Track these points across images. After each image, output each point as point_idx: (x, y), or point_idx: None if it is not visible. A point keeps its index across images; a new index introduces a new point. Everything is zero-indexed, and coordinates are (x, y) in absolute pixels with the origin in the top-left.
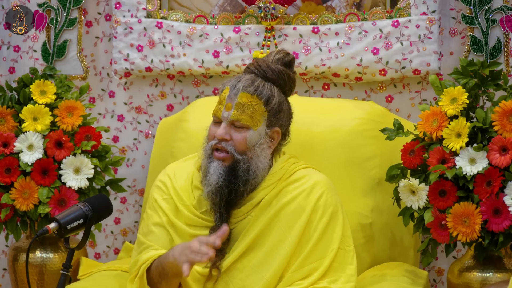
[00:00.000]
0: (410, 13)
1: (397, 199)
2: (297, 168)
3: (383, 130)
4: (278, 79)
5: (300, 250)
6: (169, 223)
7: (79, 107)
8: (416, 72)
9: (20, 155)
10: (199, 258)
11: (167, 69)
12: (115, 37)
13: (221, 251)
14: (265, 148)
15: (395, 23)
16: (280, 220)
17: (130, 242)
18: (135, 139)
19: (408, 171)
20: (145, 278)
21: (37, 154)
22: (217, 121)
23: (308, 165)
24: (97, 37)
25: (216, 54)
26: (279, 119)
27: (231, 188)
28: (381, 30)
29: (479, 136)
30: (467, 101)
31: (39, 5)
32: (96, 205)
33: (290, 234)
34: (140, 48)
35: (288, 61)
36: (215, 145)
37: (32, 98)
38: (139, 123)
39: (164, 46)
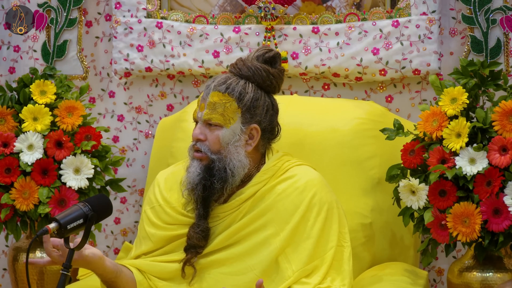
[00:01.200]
0: (410, 13)
1: (397, 199)
2: (290, 166)
3: (383, 130)
4: (253, 75)
5: (295, 246)
6: (152, 233)
7: (79, 107)
8: (416, 72)
9: (20, 155)
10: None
11: (167, 69)
12: (115, 37)
13: (196, 248)
14: (240, 145)
15: (395, 23)
16: (273, 215)
17: (130, 242)
18: (135, 139)
19: (408, 171)
20: None
21: (37, 154)
22: (196, 122)
23: (302, 162)
24: (97, 37)
25: (216, 54)
26: (255, 115)
27: (204, 184)
28: (381, 30)
29: (479, 136)
30: (467, 101)
31: (39, 5)
32: (96, 205)
33: (282, 230)
34: (140, 48)
35: (270, 57)
36: (193, 146)
37: (32, 98)
38: (139, 123)
39: (164, 46)
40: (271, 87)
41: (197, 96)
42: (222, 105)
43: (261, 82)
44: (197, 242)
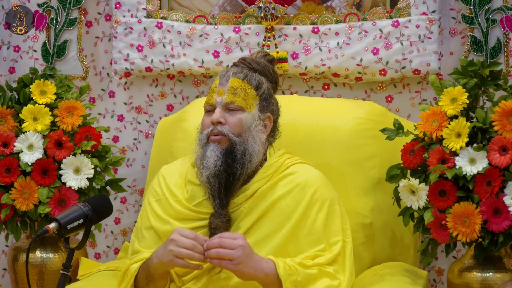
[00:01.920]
0: (410, 13)
1: (397, 199)
2: (291, 163)
3: (383, 130)
4: (264, 70)
5: (296, 242)
6: (157, 226)
7: (79, 107)
8: (416, 72)
9: (20, 155)
10: (186, 252)
11: (167, 69)
12: (115, 37)
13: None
14: (260, 131)
15: (395, 23)
16: (274, 212)
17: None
18: (135, 139)
19: (408, 171)
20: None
21: (37, 154)
22: (210, 110)
23: (302, 161)
24: (97, 37)
25: (216, 54)
26: (271, 104)
27: (229, 171)
28: (381, 30)
29: (479, 136)
30: (467, 101)
31: (39, 5)
32: (96, 205)
33: (284, 226)
34: (140, 48)
35: (270, 59)
36: (211, 131)
37: (32, 98)
38: (139, 123)
39: (164, 46)
40: (275, 86)
41: (197, 96)
42: (243, 90)
43: (270, 78)
44: (225, 230)
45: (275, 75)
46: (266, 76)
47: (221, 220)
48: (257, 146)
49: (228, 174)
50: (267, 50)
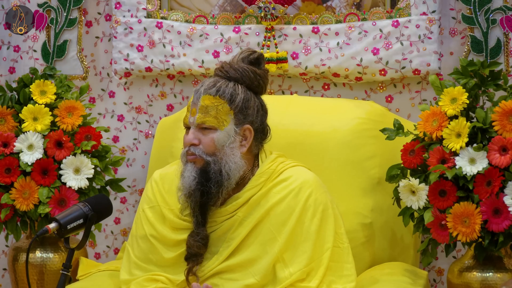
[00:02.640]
0: (410, 13)
1: (397, 199)
2: (284, 168)
3: (383, 130)
4: (242, 77)
5: (293, 250)
6: (152, 234)
7: (79, 107)
8: (416, 72)
9: (20, 155)
10: None
11: (167, 69)
12: (115, 37)
13: (197, 256)
14: (235, 147)
15: (395, 23)
16: (269, 220)
17: None
18: (135, 139)
19: (408, 171)
20: None
21: (37, 154)
22: (187, 127)
23: (296, 163)
24: (97, 37)
25: (216, 54)
26: (248, 116)
27: (202, 190)
28: (381, 30)
29: (479, 136)
30: (467, 101)
31: (39, 5)
32: (96, 205)
33: (279, 234)
34: (140, 48)
35: (254, 58)
36: (186, 151)
37: (32, 98)
38: (139, 123)
39: (164, 46)
40: (259, 88)
41: None
42: (214, 107)
43: (249, 83)
44: (197, 250)
45: (258, 77)
46: (244, 82)
47: (194, 239)
48: (233, 163)
49: (202, 193)
50: (260, 50)
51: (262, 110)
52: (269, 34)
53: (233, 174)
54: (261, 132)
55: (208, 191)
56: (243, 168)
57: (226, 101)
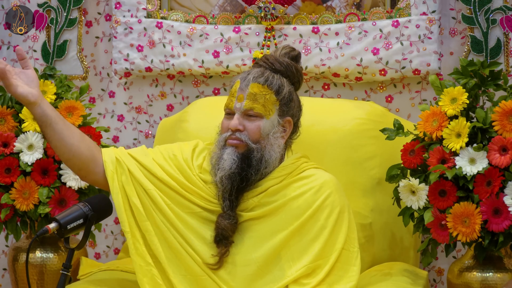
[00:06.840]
0: (410, 13)
1: (397, 199)
2: (307, 167)
3: (383, 130)
4: (286, 70)
5: (301, 244)
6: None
7: (79, 107)
8: (416, 72)
9: (20, 155)
10: None
11: (167, 69)
12: (115, 37)
13: (227, 239)
14: (278, 137)
15: (395, 23)
16: (284, 212)
17: None
18: (135, 139)
19: (408, 171)
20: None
21: (37, 154)
22: (229, 113)
23: (318, 166)
24: (97, 37)
25: (216, 54)
26: (290, 108)
27: (243, 175)
28: (381, 30)
29: (479, 136)
30: (467, 101)
31: (39, 5)
32: (96, 205)
33: (289, 226)
34: (140, 48)
35: (294, 55)
36: (229, 136)
37: None
38: (139, 123)
39: (164, 46)
40: (298, 84)
41: (197, 96)
42: (262, 96)
43: (292, 78)
44: (231, 234)
45: (298, 73)
46: (288, 77)
47: (229, 222)
48: (275, 153)
49: (242, 178)
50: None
51: (299, 106)
52: (269, 34)
53: (272, 163)
54: (296, 127)
55: (249, 178)
56: (279, 159)
57: (273, 92)
